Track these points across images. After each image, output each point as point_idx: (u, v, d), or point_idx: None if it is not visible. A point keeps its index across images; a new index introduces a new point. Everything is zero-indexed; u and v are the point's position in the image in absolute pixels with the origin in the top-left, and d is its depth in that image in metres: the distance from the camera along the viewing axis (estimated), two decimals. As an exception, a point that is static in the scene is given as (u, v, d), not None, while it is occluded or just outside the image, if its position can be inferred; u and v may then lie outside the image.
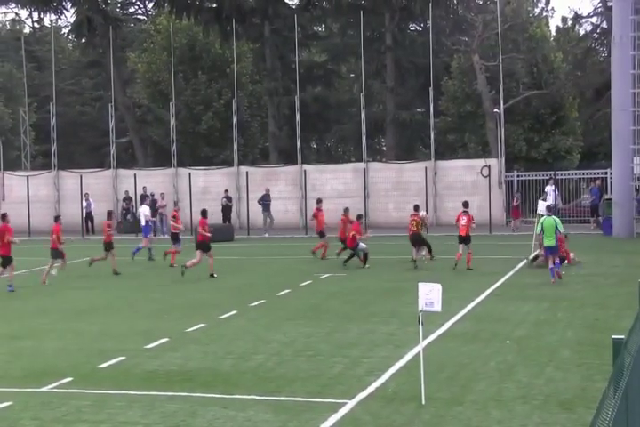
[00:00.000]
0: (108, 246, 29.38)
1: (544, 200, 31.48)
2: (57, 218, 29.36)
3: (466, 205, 28.68)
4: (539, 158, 50.22)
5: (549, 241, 24.77)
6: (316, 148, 69.19)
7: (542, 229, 25.06)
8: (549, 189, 40.98)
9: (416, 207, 30.23)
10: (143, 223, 34.63)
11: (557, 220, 25.23)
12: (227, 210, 44.07)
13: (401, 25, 57.07)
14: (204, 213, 29.10)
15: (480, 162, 44.87)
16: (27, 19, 73.49)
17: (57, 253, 27.35)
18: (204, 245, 27.91)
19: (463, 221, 27.71)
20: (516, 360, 14.99)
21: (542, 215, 26.23)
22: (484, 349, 15.91)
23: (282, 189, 45.46)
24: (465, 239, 27.54)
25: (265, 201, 42.83)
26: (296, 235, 41.05)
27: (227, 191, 44.90)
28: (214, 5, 55.76)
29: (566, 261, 27.17)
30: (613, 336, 7.41)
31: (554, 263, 24.59)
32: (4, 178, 49.24)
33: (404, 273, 26.74)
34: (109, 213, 31.16)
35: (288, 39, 52.58)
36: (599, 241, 35.88)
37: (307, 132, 54.79)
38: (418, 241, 28.97)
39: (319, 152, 68.86)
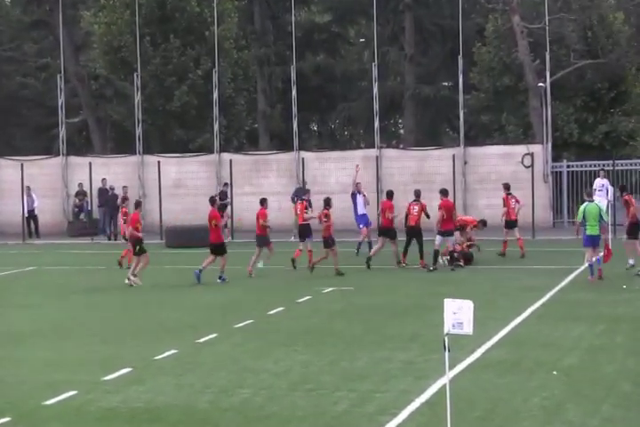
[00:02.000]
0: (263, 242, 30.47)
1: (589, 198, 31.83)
2: (138, 204, 31.21)
3: (418, 194, 32.06)
4: (594, 144, 50.14)
5: (593, 230, 26.59)
6: (316, 130, 69.29)
7: (584, 217, 26.83)
8: (599, 182, 40.87)
9: (418, 193, 32.01)
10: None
11: (602, 206, 26.20)
12: (222, 209, 43.77)
13: (423, -23, 57.16)
14: (263, 201, 31.06)
15: (521, 149, 44.92)
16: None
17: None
18: (261, 240, 30.04)
19: (414, 210, 31.55)
20: (565, 396, 14.99)
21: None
22: (526, 381, 15.92)
23: (273, 182, 45.51)
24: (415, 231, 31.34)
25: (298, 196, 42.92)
26: (292, 239, 41.06)
27: (226, 185, 44.70)
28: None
29: (603, 258, 28.15)
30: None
31: (594, 258, 25.30)
32: None
33: (428, 286, 26.73)
34: (138, 204, 31.82)
35: (281, -5, 52.69)
36: None
37: (305, 112, 54.74)
38: (414, 235, 31.39)
39: (321, 136, 69.01)
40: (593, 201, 27.76)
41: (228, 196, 43.31)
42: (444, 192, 31.81)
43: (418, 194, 32.05)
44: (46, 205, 47.21)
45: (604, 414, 13.97)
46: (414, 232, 31.43)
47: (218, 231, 30.06)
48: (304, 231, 32.50)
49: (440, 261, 30.91)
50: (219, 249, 29.69)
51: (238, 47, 56.34)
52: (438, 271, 30.11)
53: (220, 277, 29.35)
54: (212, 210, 30.12)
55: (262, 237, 30.45)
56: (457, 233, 31.50)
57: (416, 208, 31.51)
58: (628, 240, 29.34)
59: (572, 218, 40.93)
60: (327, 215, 30.72)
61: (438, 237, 30.55)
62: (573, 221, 38.52)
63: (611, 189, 40.56)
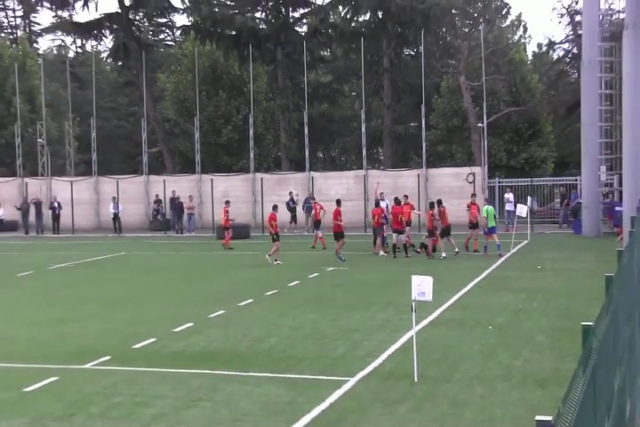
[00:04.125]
0: (276, 238, 28.70)
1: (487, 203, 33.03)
2: (275, 207, 30.21)
3: (338, 203, 31.25)
4: (517, 167, 50.12)
5: (491, 223, 30.02)
6: (322, 157, 69.16)
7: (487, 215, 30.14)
8: (507, 196, 41.37)
9: (439, 202, 31.00)
10: None
11: (492, 208, 30.91)
12: (292, 210, 43.48)
13: (397, 50, 57.03)
14: (338, 202, 30.91)
15: (466, 170, 44.84)
16: (71, 44, 73.99)
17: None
18: (338, 235, 29.28)
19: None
20: (497, 344, 14.99)
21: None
22: (469, 334, 15.92)
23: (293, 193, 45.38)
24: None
25: (307, 204, 42.87)
26: (304, 233, 41.05)
27: (290, 193, 44.14)
28: (233, 32, 55.78)
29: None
30: (583, 323, 7.40)
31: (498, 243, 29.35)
32: (52, 183, 49.35)
33: (400, 267, 26.70)
34: (275, 207, 30.56)
35: (298, 62, 52.63)
36: (570, 239, 35.87)
37: (314, 144, 54.73)
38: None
39: (325, 161, 68.85)
40: (491, 205, 31.56)
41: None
42: (396, 201, 30.81)
43: (398, 202, 30.79)
44: (134, 209, 47.23)
45: (525, 357, 13.98)
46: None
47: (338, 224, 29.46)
48: (318, 224, 33.16)
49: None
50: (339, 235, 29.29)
51: (267, 99, 56.38)
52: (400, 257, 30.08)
53: (339, 258, 28.56)
54: (337, 209, 30.10)
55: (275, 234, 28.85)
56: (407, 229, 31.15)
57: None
58: (442, 239, 29.65)
59: (501, 219, 40.81)
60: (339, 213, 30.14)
61: (394, 235, 29.99)
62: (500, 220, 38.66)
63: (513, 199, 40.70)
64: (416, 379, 12.39)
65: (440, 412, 11.01)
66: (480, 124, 45.86)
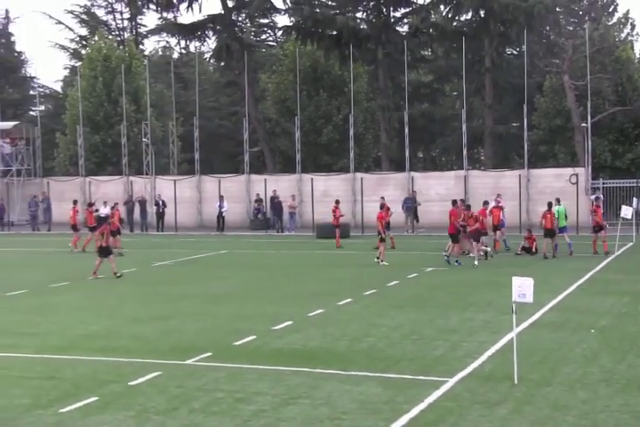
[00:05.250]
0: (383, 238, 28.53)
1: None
2: (382, 206, 30.26)
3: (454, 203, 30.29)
4: (623, 168, 49.14)
5: (562, 223, 30.08)
6: (422, 157, 68.78)
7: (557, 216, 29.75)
8: (593, 197, 40.42)
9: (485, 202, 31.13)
10: None
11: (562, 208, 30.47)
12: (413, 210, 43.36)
13: (499, 49, 56.45)
14: (454, 202, 30.05)
15: (569, 170, 44.01)
16: (175, 46, 75.03)
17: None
18: (454, 237, 28.66)
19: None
20: (599, 348, 14.70)
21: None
22: (571, 336, 15.65)
23: (392, 193, 45.28)
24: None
25: (407, 204, 42.86)
26: (404, 233, 40.97)
27: (411, 192, 44.08)
28: (334, 33, 55.96)
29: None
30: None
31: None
32: (156, 181, 50.39)
33: (500, 268, 26.40)
34: (384, 206, 30.62)
35: (398, 62, 52.48)
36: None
37: (414, 144, 54.43)
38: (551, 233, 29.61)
39: (425, 161, 68.42)
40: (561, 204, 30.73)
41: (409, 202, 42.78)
42: (453, 203, 30.26)
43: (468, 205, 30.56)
44: (235, 208, 47.76)
45: (629, 362, 13.68)
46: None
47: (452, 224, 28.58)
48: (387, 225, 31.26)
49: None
50: (454, 237, 28.38)
51: (367, 99, 56.44)
52: (500, 258, 29.70)
53: (456, 261, 27.62)
54: (453, 210, 29.19)
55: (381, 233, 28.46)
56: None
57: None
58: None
59: (607, 220, 39.82)
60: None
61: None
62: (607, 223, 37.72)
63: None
64: (516, 381, 12.24)
65: (541, 415, 10.85)
66: (584, 124, 45.00)
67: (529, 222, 39.16)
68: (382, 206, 30.70)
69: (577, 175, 42.80)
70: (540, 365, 13.44)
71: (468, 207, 29.82)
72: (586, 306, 19.09)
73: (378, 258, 28.16)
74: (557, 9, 56.97)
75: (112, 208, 36.01)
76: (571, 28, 59.85)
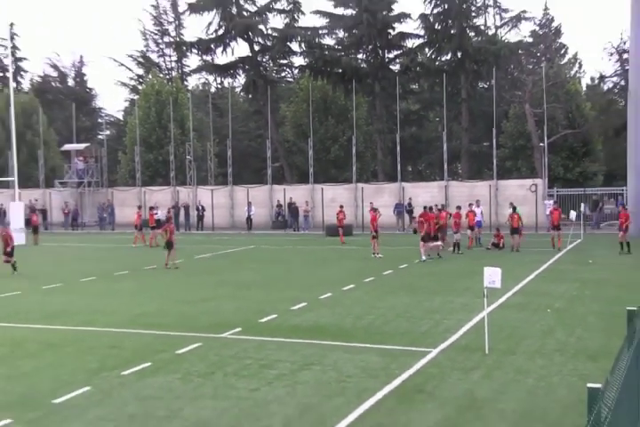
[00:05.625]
0: (432, 237, 27.04)
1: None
2: (432, 208, 29.26)
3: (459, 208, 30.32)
4: (572, 179, 49.09)
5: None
6: (411, 170, 68.70)
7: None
8: (548, 202, 40.31)
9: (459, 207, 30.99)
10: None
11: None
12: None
13: (472, 83, 56.43)
14: (430, 209, 29.01)
15: (529, 181, 43.90)
16: (212, 82, 75.11)
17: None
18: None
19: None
20: (555, 324, 14.66)
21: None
22: (532, 315, 15.61)
23: (386, 200, 45.28)
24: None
25: (397, 208, 42.84)
26: (396, 232, 40.92)
27: (401, 199, 43.77)
28: (340, 70, 56.12)
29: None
30: (628, 308, 7.24)
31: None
32: (197, 191, 50.48)
33: (475, 260, 26.35)
34: (431, 209, 29.49)
35: (392, 94, 52.47)
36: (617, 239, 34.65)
37: (404, 160, 54.30)
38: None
39: (413, 173, 68.34)
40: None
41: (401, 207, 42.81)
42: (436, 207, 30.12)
43: (459, 207, 30.78)
44: (261, 212, 47.83)
45: (578, 335, 13.64)
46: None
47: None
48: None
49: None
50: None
51: (366, 123, 56.45)
52: (474, 252, 29.64)
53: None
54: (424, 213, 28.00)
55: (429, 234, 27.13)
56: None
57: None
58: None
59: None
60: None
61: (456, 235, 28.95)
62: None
63: (556, 205, 39.35)
64: (487, 351, 12.23)
65: (507, 378, 10.84)
66: (541, 144, 44.97)
67: (497, 223, 39.04)
68: (375, 210, 30.06)
69: (536, 185, 42.70)
70: (507, 338, 13.41)
71: (440, 211, 29.77)
72: (544, 290, 19.03)
73: (374, 253, 28.10)
74: (520, 51, 56.88)
75: (168, 212, 35.91)
76: (531, 67, 59.65)
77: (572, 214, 30.88)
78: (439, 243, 27.86)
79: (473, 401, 9.83)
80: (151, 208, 37.99)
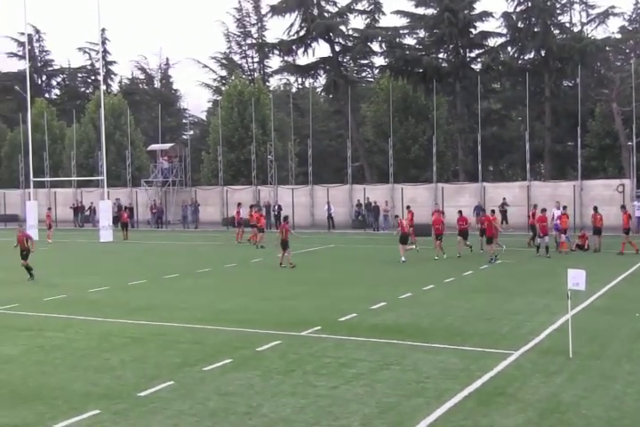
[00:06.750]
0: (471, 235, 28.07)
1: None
2: (479, 209, 29.56)
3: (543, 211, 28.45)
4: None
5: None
6: (492, 170, 67.53)
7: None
8: (637, 204, 38.73)
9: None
10: None
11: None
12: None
13: (556, 82, 55.01)
14: (544, 210, 28.21)
15: (616, 182, 42.55)
16: (294, 82, 75.76)
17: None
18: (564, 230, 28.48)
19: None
20: (642, 328, 14.16)
21: None
22: (618, 319, 15.12)
23: (467, 200, 44.57)
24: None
25: (477, 210, 41.88)
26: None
27: (504, 199, 42.49)
28: (420, 70, 55.61)
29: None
30: None
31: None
32: (278, 190, 50.94)
33: (557, 262, 25.69)
34: (491, 210, 29.52)
35: (473, 93, 51.68)
36: None
37: (485, 159, 53.37)
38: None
39: (494, 173, 67.17)
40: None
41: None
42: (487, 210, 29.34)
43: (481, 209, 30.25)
44: (340, 211, 47.87)
45: (667, 341, 13.14)
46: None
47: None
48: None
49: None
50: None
51: (447, 123, 55.74)
52: (557, 253, 28.87)
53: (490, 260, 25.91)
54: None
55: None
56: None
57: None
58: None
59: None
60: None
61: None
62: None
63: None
64: (571, 355, 11.90)
65: (591, 383, 10.51)
66: (630, 143, 43.52)
67: (582, 225, 37.94)
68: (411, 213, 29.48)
69: (624, 185, 41.38)
70: (592, 342, 13.03)
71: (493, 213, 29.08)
72: (631, 294, 18.41)
73: (441, 253, 27.51)
74: (607, 48, 55.19)
75: (258, 210, 35.57)
76: (618, 64, 57.84)
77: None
78: (412, 246, 27.94)
79: (556, 405, 9.58)
80: (251, 206, 37.77)
